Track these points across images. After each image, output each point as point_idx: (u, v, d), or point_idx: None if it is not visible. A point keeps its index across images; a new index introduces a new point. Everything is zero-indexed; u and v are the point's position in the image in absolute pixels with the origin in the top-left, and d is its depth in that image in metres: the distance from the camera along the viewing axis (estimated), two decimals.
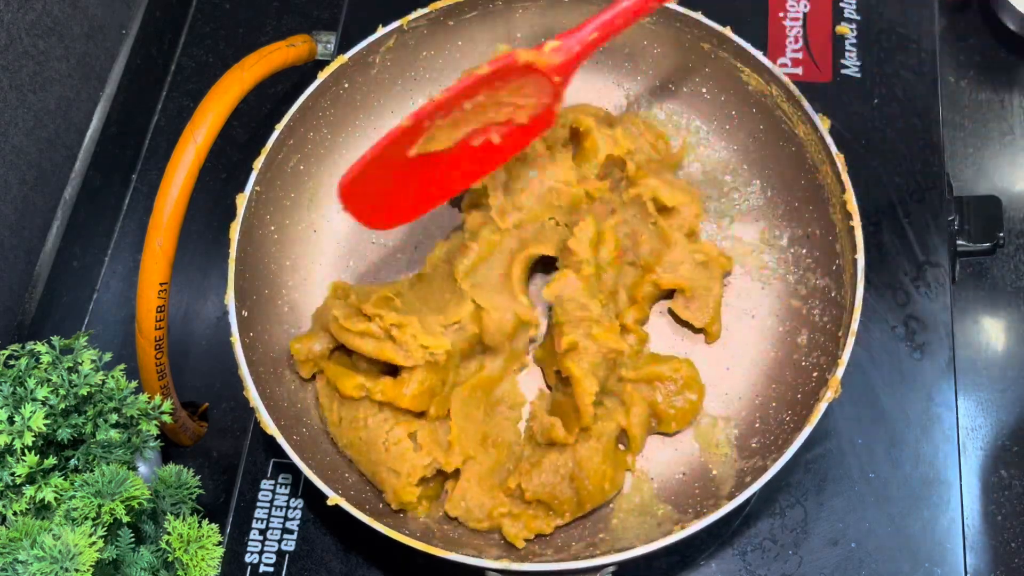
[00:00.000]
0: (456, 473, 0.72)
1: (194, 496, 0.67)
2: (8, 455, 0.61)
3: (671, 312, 0.78)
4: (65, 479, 0.62)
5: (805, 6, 0.92)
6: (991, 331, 0.86)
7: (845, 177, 0.73)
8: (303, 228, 0.81)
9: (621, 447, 0.74)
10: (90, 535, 0.58)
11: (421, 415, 0.72)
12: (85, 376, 0.65)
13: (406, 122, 0.65)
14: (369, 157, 0.66)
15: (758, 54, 0.77)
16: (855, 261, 0.71)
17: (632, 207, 0.77)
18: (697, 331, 0.78)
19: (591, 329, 0.71)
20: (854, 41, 0.90)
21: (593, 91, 0.85)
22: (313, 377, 0.76)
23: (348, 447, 0.73)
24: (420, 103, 0.85)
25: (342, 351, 0.75)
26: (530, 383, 0.77)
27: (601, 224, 0.75)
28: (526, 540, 0.70)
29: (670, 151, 0.82)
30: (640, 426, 0.73)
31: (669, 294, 0.78)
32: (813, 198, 0.77)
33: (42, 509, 0.61)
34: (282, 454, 0.69)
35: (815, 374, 0.72)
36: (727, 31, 0.78)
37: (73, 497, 0.60)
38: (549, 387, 0.77)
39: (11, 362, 0.65)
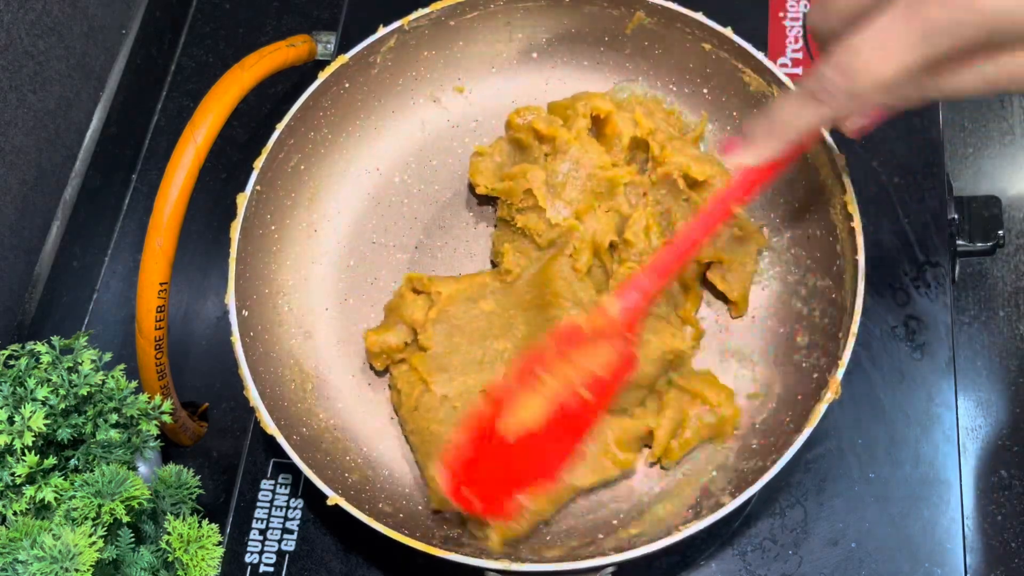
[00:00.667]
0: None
1: (194, 496, 0.67)
2: (8, 455, 0.61)
3: (705, 283, 0.78)
4: (65, 479, 0.62)
5: (805, 6, 0.92)
6: (991, 331, 0.86)
7: (846, 178, 0.73)
8: (303, 228, 0.81)
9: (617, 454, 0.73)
10: (90, 535, 0.58)
11: None
12: (85, 376, 0.65)
13: (482, 404, 0.65)
14: (458, 443, 0.66)
15: (759, 55, 0.77)
16: (855, 262, 0.71)
17: (662, 186, 0.77)
18: (726, 303, 0.78)
19: (657, 325, 0.71)
20: None
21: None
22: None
23: (414, 433, 0.73)
24: (421, 103, 0.85)
25: (416, 344, 0.75)
26: None
27: (643, 211, 0.75)
28: (524, 538, 0.70)
29: (687, 125, 0.82)
30: (667, 432, 0.72)
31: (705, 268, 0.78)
32: (813, 199, 0.77)
33: (42, 509, 0.61)
34: (282, 454, 0.69)
35: (815, 375, 0.72)
36: (728, 31, 0.78)
37: (73, 497, 0.60)
38: None
39: (11, 362, 0.65)
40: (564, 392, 0.66)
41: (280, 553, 0.76)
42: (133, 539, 0.62)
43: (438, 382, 0.73)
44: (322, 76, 0.78)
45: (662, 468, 0.74)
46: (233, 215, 0.74)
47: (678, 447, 0.73)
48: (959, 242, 0.84)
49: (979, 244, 0.84)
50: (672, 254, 0.67)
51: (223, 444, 0.84)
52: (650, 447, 0.74)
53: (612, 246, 0.76)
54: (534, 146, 0.78)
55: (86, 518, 0.59)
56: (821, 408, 0.68)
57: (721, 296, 0.78)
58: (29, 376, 0.64)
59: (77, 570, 0.56)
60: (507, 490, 0.68)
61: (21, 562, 0.56)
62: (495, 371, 0.73)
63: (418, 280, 0.76)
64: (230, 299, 0.72)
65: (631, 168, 0.77)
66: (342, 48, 0.85)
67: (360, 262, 0.82)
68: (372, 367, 0.77)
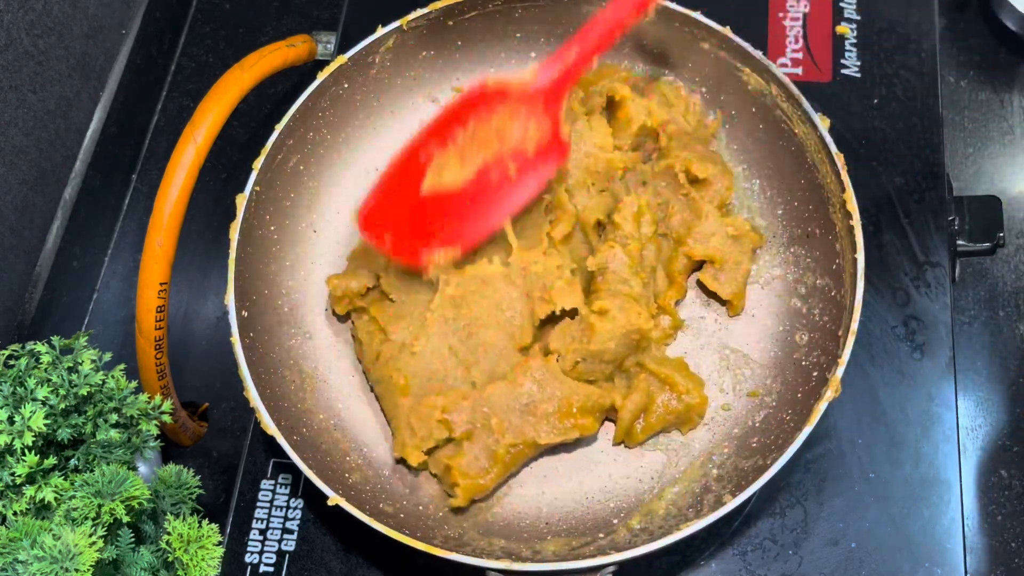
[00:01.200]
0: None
1: (194, 496, 0.67)
2: (8, 455, 0.61)
3: (699, 284, 0.79)
4: (65, 479, 0.62)
5: (805, 6, 0.92)
6: (991, 331, 0.86)
7: (845, 176, 0.73)
8: (303, 228, 0.81)
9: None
10: (90, 535, 0.58)
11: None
12: (85, 376, 0.65)
13: (402, 153, 0.65)
14: (379, 187, 0.67)
15: (758, 54, 0.77)
16: (855, 260, 0.71)
17: (663, 178, 0.78)
18: (722, 303, 0.79)
19: (625, 303, 0.71)
20: (854, 41, 0.90)
21: None
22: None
23: (378, 382, 0.75)
24: (420, 103, 0.85)
25: (379, 291, 0.76)
26: None
27: (639, 198, 0.76)
28: (486, 496, 0.72)
29: (702, 122, 0.82)
30: (631, 413, 0.73)
31: (699, 266, 0.79)
32: (813, 197, 0.77)
33: (42, 509, 0.61)
34: (282, 454, 0.69)
35: (815, 373, 0.72)
36: (727, 31, 0.78)
37: (73, 497, 0.60)
38: None
39: (11, 362, 0.65)
40: (488, 159, 0.67)
41: (280, 553, 0.76)
42: (133, 539, 0.62)
43: (397, 330, 0.74)
44: (321, 76, 0.78)
45: (626, 447, 0.75)
46: (233, 215, 0.74)
47: (641, 430, 0.74)
48: (959, 242, 0.84)
49: (979, 244, 0.84)
50: (598, 27, 0.66)
51: (223, 444, 0.84)
52: (613, 422, 0.75)
53: (600, 225, 0.77)
54: None
55: (86, 518, 0.59)
56: (821, 407, 0.68)
57: (716, 296, 0.78)
58: (29, 376, 0.64)
59: (77, 570, 0.56)
60: (420, 240, 0.70)
61: (21, 562, 0.56)
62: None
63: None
64: (230, 299, 0.72)
65: (634, 155, 0.78)
66: (342, 48, 0.86)
67: (360, 262, 0.82)
68: (335, 313, 0.78)
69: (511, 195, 0.70)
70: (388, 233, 0.70)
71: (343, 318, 0.79)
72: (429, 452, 0.72)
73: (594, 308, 0.72)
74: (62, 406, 0.63)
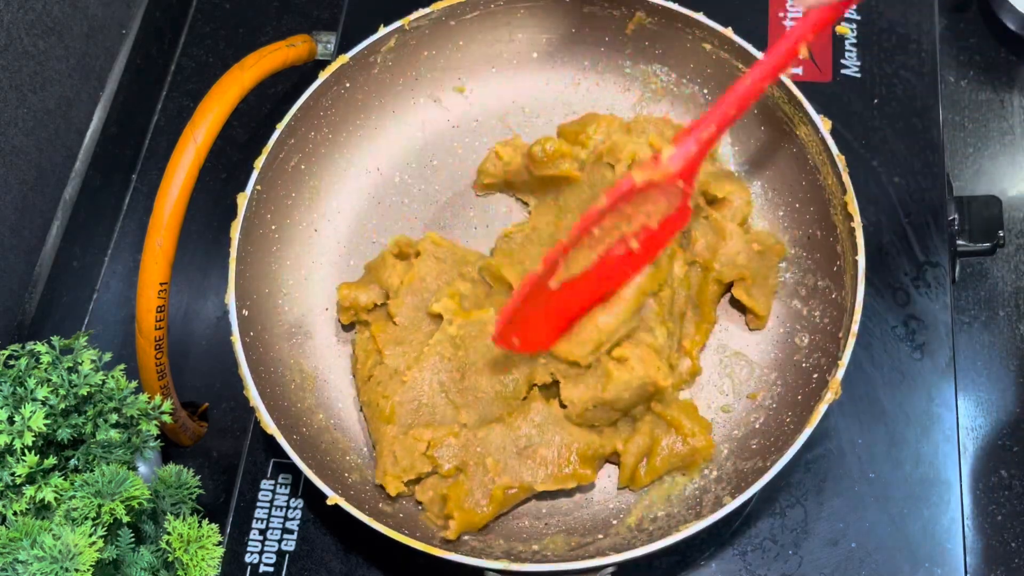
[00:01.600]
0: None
1: (194, 496, 0.67)
2: (8, 455, 0.61)
3: (731, 302, 0.78)
4: (65, 479, 0.62)
5: None
6: (991, 331, 0.86)
7: (846, 178, 0.73)
8: (303, 228, 0.81)
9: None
10: (90, 535, 0.58)
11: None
12: (85, 376, 0.65)
13: (539, 269, 0.64)
14: (512, 307, 0.65)
15: (759, 55, 0.77)
16: (856, 262, 0.71)
17: None
18: (748, 315, 0.77)
19: (646, 355, 0.69)
20: (854, 41, 0.90)
21: (596, 93, 0.85)
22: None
23: (367, 405, 0.74)
24: (422, 103, 0.85)
25: (385, 310, 0.76)
26: None
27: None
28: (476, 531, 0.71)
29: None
30: (635, 457, 0.71)
31: (726, 290, 0.77)
32: (814, 199, 0.77)
33: (42, 509, 0.61)
34: (282, 454, 0.69)
35: (815, 375, 0.72)
36: (728, 31, 0.78)
37: (73, 497, 0.60)
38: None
39: (11, 362, 0.65)
40: (613, 243, 0.65)
41: (280, 553, 0.76)
42: (133, 539, 0.62)
43: (392, 354, 0.74)
44: (322, 76, 0.78)
45: (631, 491, 0.73)
46: (233, 215, 0.74)
47: (645, 474, 0.72)
48: (959, 242, 0.84)
49: (979, 244, 0.84)
50: (733, 98, 0.63)
51: (223, 444, 0.84)
52: (616, 464, 0.74)
53: None
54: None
55: (86, 518, 0.59)
56: (821, 408, 0.68)
57: (740, 307, 0.77)
58: (29, 376, 0.64)
59: (77, 570, 0.56)
60: (547, 333, 0.69)
61: (21, 562, 0.56)
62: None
63: (405, 243, 0.77)
64: (230, 299, 0.72)
65: None
66: (342, 48, 0.85)
67: (360, 262, 0.82)
68: (339, 320, 0.78)
69: (631, 264, 0.68)
70: (524, 336, 0.68)
71: (348, 326, 0.79)
72: (409, 484, 0.72)
73: (614, 355, 0.69)
74: (62, 406, 0.63)
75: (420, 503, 0.72)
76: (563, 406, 0.71)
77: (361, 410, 0.76)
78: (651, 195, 0.64)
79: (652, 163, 0.63)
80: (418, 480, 0.72)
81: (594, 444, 0.71)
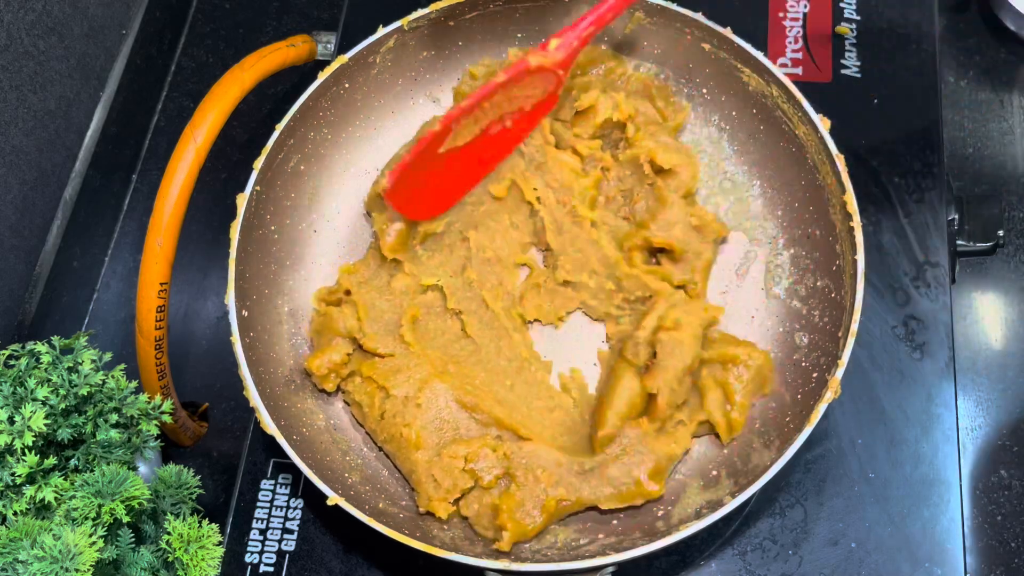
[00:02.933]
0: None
1: (194, 496, 0.67)
2: (8, 455, 0.61)
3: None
4: (65, 479, 0.62)
5: (805, 6, 0.92)
6: (991, 331, 0.86)
7: (845, 178, 0.73)
8: (303, 228, 0.81)
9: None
10: (90, 535, 0.58)
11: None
12: (85, 376, 0.65)
13: (437, 127, 0.70)
14: (408, 160, 0.71)
15: (758, 55, 0.77)
16: (855, 262, 0.71)
17: (627, 167, 0.78)
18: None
19: (683, 309, 0.74)
20: (854, 41, 0.90)
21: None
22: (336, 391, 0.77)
23: (388, 442, 0.74)
24: (421, 103, 0.85)
25: (361, 352, 0.76)
26: None
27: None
28: (525, 541, 0.70)
29: (677, 114, 0.82)
30: (721, 410, 0.73)
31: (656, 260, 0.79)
32: (813, 198, 0.77)
33: (42, 509, 0.61)
34: (282, 454, 0.69)
35: (815, 374, 0.72)
36: (727, 32, 0.78)
37: (73, 497, 0.60)
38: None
39: (11, 362, 0.65)
40: (494, 120, 0.74)
41: (280, 553, 0.76)
42: (133, 539, 0.63)
43: (397, 384, 0.73)
44: (322, 76, 0.78)
45: (734, 441, 0.74)
46: (233, 215, 0.74)
47: (737, 414, 0.73)
48: (959, 242, 0.84)
49: (979, 244, 0.84)
50: (608, 7, 0.73)
51: (223, 444, 0.84)
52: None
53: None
54: None
55: (86, 518, 0.59)
56: (821, 408, 0.68)
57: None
58: (29, 376, 0.64)
59: (77, 570, 0.56)
60: (432, 199, 0.77)
61: (21, 562, 0.56)
62: (446, 350, 0.77)
63: (327, 292, 0.79)
64: (230, 299, 0.72)
65: (595, 143, 0.79)
66: (342, 48, 0.86)
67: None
68: (324, 391, 0.77)
69: (505, 143, 0.77)
70: (409, 198, 0.74)
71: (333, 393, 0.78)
72: (455, 501, 0.72)
73: (663, 327, 0.73)
74: (62, 406, 0.63)
75: (466, 518, 0.72)
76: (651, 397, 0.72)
77: (381, 449, 0.76)
78: (534, 80, 0.73)
79: (542, 50, 0.73)
80: (461, 497, 0.72)
81: (663, 457, 0.71)
